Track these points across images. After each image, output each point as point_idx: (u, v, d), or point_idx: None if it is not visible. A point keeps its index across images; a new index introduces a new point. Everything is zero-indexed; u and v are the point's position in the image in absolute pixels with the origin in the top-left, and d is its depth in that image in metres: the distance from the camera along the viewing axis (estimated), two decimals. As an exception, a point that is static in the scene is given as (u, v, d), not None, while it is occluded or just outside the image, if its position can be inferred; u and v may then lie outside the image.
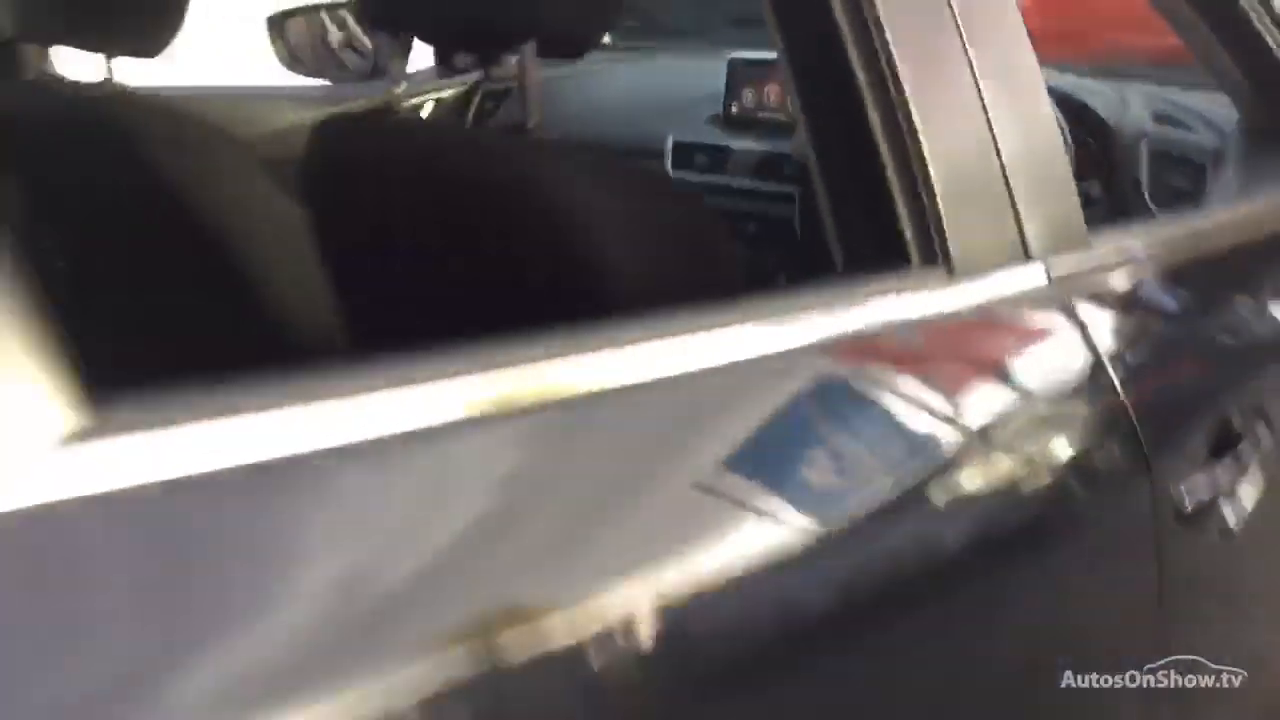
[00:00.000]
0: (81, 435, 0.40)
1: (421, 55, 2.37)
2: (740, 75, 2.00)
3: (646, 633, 0.54)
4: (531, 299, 0.64)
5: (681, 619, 0.57)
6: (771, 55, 2.04)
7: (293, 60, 2.39)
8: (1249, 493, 0.99)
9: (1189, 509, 0.92)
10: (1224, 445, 0.98)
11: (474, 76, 2.21)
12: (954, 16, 0.82)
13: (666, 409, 0.63)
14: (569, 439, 0.59)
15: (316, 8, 2.54)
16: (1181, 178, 1.58)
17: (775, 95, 1.98)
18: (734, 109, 2.01)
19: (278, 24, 2.37)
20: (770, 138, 1.96)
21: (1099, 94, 1.70)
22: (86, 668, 0.39)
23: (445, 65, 2.27)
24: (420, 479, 0.51)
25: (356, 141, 0.99)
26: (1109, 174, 1.59)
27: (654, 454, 0.62)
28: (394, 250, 0.92)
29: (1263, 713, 1.19)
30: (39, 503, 0.39)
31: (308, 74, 2.39)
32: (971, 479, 0.78)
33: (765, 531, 0.64)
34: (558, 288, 0.81)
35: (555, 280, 0.82)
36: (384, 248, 0.93)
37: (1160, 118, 1.69)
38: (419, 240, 0.90)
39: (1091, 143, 1.62)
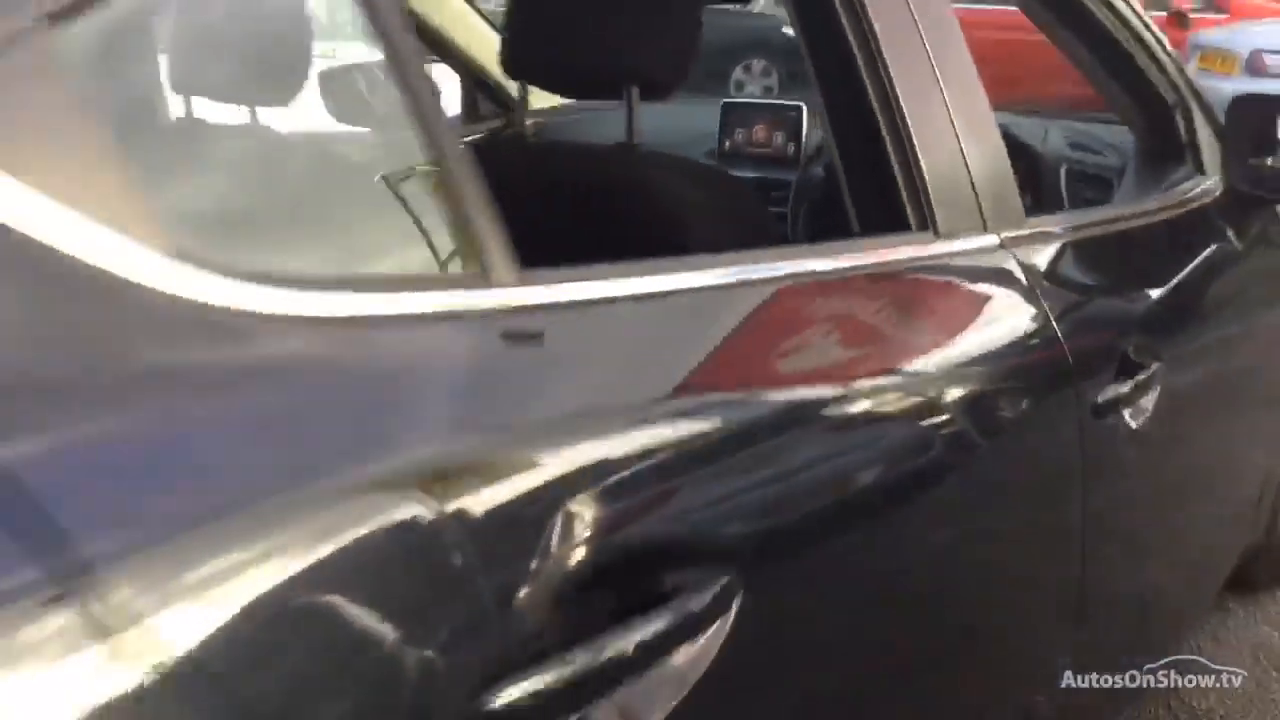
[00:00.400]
0: (513, 279, 0.77)
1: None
2: (732, 117, 2.41)
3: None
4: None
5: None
6: (758, 101, 2.46)
7: (338, 109, 2.78)
8: (1144, 401, 1.38)
9: (1101, 408, 1.31)
10: (1124, 368, 1.37)
11: (496, 123, 2.59)
12: (932, 66, 1.21)
13: (737, 309, 0.97)
14: (690, 319, 0.94)
15: (349, 67, 2.94)
16: (1092, 191, 1.99)
17: (762, 133, 2.39)
18: (727, 145, 2.41)
19: (326, 79, 2.76)
20: (759, 168, 2.36)
21: (1027, 127, 2.12)
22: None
23: (471, 114, 2.67)
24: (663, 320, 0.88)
25: (498, 159, 1.35)
26: (1035, 189, 2.00)
27: (727, 330, 0.97)
28: (541, 238, 1.29)
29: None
30: (493, 307, 0.75)
31: (349, 122, 2.78)
32: (946, 378, 1.13)
33: (790, 394, 0.96)
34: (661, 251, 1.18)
35: (660, 246, 1.19)
36: (532, 237, 1.29)
37: (1075, 145, 2.12)
38: (560, 229, 1.26)
39: (1021, 165, 2.04)
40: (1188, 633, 1.98)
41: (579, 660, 0.67)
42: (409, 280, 0.72)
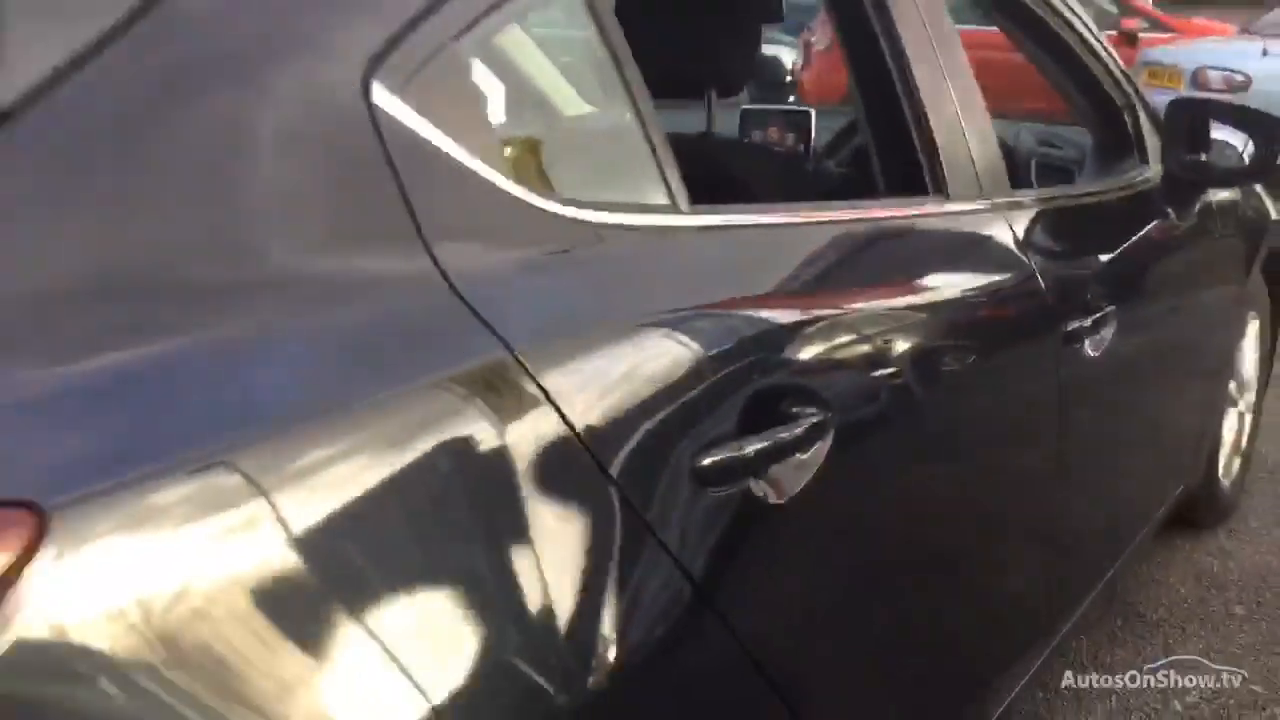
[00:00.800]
0: (682, 209, 1.14)
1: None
2: (750, 120, 2.78)
3: None
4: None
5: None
6: (771, 107, 2.85)
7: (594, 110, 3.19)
8: (1101, 334, 1.78)
9: (1069, 336, 1.71)
10: (1085, 309, 1.77)
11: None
12: (941, 66, 1.59)
13: (812, 240, 1.34)
14: (788, 241, 1.31)
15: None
16: (1056, 179, 2.40)
17: (775, 134, 2.77)
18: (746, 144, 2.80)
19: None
20: (774, 164, 2.75)
21: (1001, 127, 2.53)
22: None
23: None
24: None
25: None
26: (1011, 176, 2.40)
27: (810, 249, 1.34)
28: None
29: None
30: (671, 224, 1.13)
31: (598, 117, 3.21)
32: (950, 309, 1.50)
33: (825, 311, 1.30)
34: None
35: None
36: None
37: (1042, 142, 2.54)
38: None
39: (999, 159, 2.45)
40: (1136, 553, 2.36)
41: (748, 445, 1.06)
42: (636, 206, 1.11)
